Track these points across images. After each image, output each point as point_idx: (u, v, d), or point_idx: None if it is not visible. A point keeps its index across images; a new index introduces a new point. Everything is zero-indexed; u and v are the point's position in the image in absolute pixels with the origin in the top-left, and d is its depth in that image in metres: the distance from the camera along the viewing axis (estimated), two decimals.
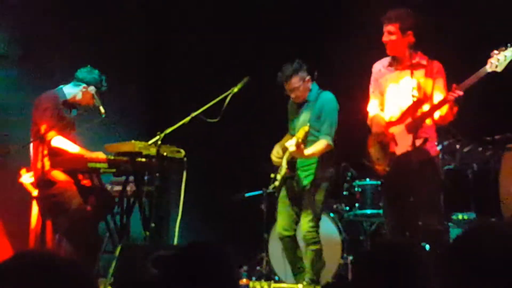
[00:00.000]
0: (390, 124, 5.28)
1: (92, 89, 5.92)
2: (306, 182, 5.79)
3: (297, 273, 5.92)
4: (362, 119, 6.16)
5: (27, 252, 1.70)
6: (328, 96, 5.85)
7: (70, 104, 6.03)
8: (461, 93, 4.91)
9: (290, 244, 5.89)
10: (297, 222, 5.90)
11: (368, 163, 5.50)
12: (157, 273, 4.34)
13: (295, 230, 5.89)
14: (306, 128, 5.55)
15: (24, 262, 1.64)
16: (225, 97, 5.75)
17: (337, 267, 6.79)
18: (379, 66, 5.45)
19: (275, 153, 5.95)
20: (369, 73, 5.61)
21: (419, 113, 5.14)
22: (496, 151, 6.54)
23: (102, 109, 5.84)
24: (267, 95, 6.96)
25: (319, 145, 5.69)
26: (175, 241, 5.73)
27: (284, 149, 5.84)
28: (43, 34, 6.97)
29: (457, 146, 6.60)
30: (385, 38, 5.28)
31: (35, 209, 5.86)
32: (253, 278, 6.90)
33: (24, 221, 5.92)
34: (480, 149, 6.68)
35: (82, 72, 6.02)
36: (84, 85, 5.98)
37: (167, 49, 8.53)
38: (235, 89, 5.81)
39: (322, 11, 8.06)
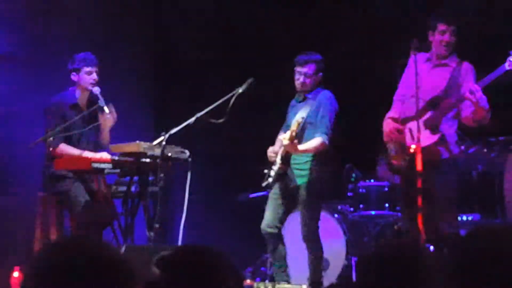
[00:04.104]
0: (409, 119, 5.26)
1: (96, 89, 5.91)
2: (300, 181, 5.75)
3: (277, 272, 5.89)
4: (370, 119, 6.17)
5: (59, 242, 1.75)
6: (327, 95, 5.82)
7: (80, 104, 5.99)
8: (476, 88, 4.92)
9: (272, 241, 5.84)
10: (282, 220, 5.87)
11: (384, 157, 5.48)
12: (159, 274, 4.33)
13: (278, 228, 5.84)
14: (299, 120, 5.52)
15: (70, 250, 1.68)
16: (230, 98, 5.75)
17: (341, 268, 6.79)
18: (415, 59, 5.37)
19: (271, 150, 5.91)
20: (378, 72, 5.60)
21: (437, 109, 5.16)
22: (501, 153, 6.54)
23: (106, 110, 5.83)
24: (272, 96, 6.96)
25: (314, 142, 5.65)
26: (179, 242, 5.73)
27: (280, 145, 5.83)
28: (49, 35, 6.98)
29: (462, 147, 6.59)
30: (442, 38, 5.27)
31: (40, 209, 5.87)
32: (258, 279, 6.90)
33: (29, 222, 5.94)
34: (485, 150, 6.67)
35: (68, 65, 5.97)
36: (74, 73, 5.94)
37: (172, 49, 8.53)
38: (240, 90, 5.81)
39: (328, 14, 8.06)
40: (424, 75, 5.29)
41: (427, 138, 5.13)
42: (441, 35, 5.30)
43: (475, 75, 5.26)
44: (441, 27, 5.30)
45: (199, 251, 2.08)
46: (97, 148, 6.03)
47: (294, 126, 5.48)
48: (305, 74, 5.79)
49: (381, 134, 5.58)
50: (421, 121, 5.14)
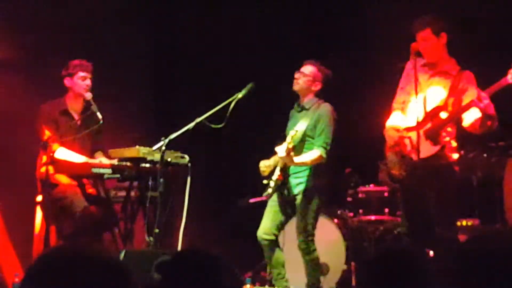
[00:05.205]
0: (410, 129, 5.25)
1: (89, 95, 5.91)
2: (297, 190, 5.76)
3: (276, 279, 5.88)
4: (369, 124, 6.16)
5: (57, 248, 1.75)
6: (326, 108, 5.81)
7: (72, 111, 5.99)
8: (486, 101, 4.89)
9: (269, 249, 5.83)
10: (279, 228, 5.86)
11: (383, 166, 5.47)
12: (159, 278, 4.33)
13: (276, 235, 5.83)
14: (293, 134, 5.53)
15: (58, 257, 1.68)
16: (230, 103, 5.75)
17: (341, 273, 6.78)
18: (415, 63, 5.30)
19: (262, 164, 5.92)
20: (378, 78, 5.58)
21: (438, 119, 5.13)
22: (501, 158, 6.54)
23: (99, 116, 5.83)
24: (273, 101, 6.97)
25: (311, 155, 5.67)
26: (179, 247, 5.73)
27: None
28: (48, 39, 6.98)
29: (461, 152, 6.59)
30: (421, 46, 5.24)
31: (39, 215, 5.87)
32: (257, 284, 6.89)
33: (28, 227, 5.93)
34: (485, 155, 6.67)
35: (62, 71, 6.00)
36: (67, 78, 5.95)
37: (172, 54, 8.54)
38: (240, 95, 5.81)
39: (330, 18, 8.07)
40: (423, 82, 5.27)
41: (428, 150, 5.11)
42: (417, 44, 5.29)
43: (476, 83, 5.23)
44: (416, 36, 5.29)
45: (199, 256, 2.08)
46: (93, 154, 6.04)
47: (289, 139, 5.51)
48: (302, 73, 5.82)
49: (381, 139, 5.57)
50: (421, 132, 5.13)
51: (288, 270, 5.89)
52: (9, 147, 6.64)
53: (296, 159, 5.59)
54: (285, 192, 5.82)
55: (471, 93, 5.14)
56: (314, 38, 7.94)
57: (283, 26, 8.17)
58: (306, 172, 5.75)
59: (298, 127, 5.71)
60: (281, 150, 5.54)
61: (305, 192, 5.72)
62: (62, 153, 5.75)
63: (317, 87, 5.85)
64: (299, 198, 5.73)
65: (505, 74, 4.92)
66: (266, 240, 5.80)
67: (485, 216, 6.68)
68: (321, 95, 5.88)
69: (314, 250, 5.78)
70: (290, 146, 5.46)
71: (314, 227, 5.79)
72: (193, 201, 5.77)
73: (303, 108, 5.89)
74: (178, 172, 5.83)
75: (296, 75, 5.85)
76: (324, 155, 5.67)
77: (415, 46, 5.21)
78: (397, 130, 5.34)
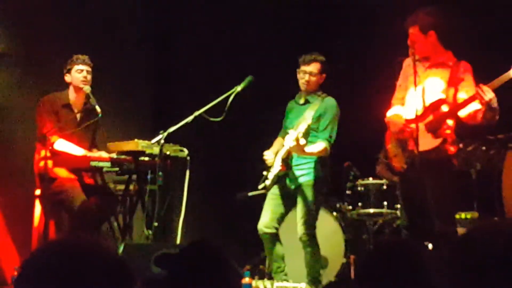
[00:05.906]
0: (410, 121, 5.24)
1: (87, 88, 5.90)
2: (301, 181, 5.76)
3: (276, 271, 5.87)
4: (368, 118, 6.16)
5: (55, 242, 1.75)
6: (332, 102, 5.83)
7: (73, 105, 5.99)
8: (490, 95, 4.88)
9: (269, 242, 5.83)
10: (280, 221, 5.86)
11: (385, 159, 5.47)
12: (160, 272, 4.33)
13: (276, 228, 5.84)
14: (310, 122, 5.52)
15: (53, 251, 1.68)
16: (229, 96, 5.74)
17: (340, 266, 6.79)
18: (410, 61, 5.31)
19: (267, 154, 5.90)
20: (377, 71, 5.57)
21: (440, 112, 5.13)
22: (500, 150, 6.53)
23: (98, 109, 5.83)
24: (271, 94, 6.96)
25: (319, 146, 5.67)
26: (178, 240, 5.73)
27: (279, 146, 5.83)
28: (47, 33, 6.97)
29: (460, 145, 6.58)
30: (409, 41, 5.24)
31: (38, 208, 5.87)
32: (256, 277, 6.89)
33: (27, 221, 5.93)
34: (484, 148, 6.66)
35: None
36: (67, 74, 5.94)
37: (171, 47, 8.53)
38: (239, 88, 5.80)
39: (328, 11, 8.06)
40: (421, 74, 5.26)
41: (429, 143, 5.11)
42: (408, 40, 5.28)
43: (472, 73, 5.23)
44: (408, 31, 5.30)
45: (204, 249, 2.08)
46: (92, 147, 6.04)
47: (303, 127, 5.47)
48: (310, 73, 5.79)
49: (379, 132, 5.57)
50: (423, 125, 5.12)
51: (287, 263, 5.89)
52: (8, 141, 6.63)
53: (306, 149, 5.58)
54: (287, 184, 5.81)
55: (467, 83, 5.14)
56: (312, 31, 7.93)
57: (282, 20, 8.16)
58: (309, 165, 5.75)
59: (308, 118, 5.69)
60: (290, 138, 5.51)
61: (309, 184, 5.72)
62: (62, 145, 5.75)
63: (323, 79, 5.87)
64: (303, 190, 5.73)
65: (508, 69, 4.92)
66: (267, 233, 5.80)
67: (484, 209, 6.68)
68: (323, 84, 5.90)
69: (316, 242, 5.78)
70: (301, 136, 5.43)
71: (316, 219, 5.79)
72: (191, 194, 5.77)
73: (306, 101, 5.88)
74: (177, 165, 5.83)
75: (305, 77, 5.80)
76: (329, 148, 5.69)
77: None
78: (399, 117, 5.35)
